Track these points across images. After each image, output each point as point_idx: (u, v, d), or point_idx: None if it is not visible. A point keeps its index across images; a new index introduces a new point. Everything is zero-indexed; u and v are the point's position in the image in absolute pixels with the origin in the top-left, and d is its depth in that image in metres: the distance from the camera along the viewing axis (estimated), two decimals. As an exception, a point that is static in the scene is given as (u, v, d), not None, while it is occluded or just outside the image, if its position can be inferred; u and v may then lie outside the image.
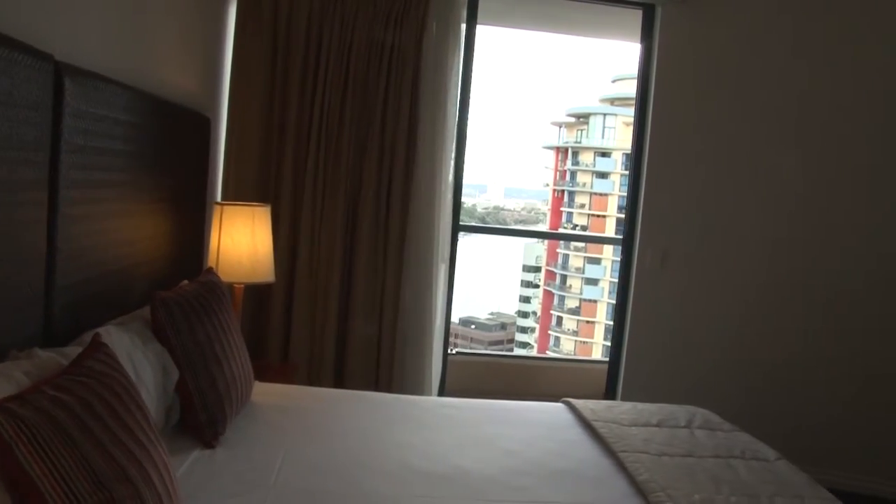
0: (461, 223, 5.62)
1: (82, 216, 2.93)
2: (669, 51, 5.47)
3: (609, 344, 5.98)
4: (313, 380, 5.20)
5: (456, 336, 12.27)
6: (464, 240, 12.44)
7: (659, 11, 5.47)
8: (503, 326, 12.79)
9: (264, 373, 4.47)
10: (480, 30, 5.45)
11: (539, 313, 12.61)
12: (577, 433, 3.78)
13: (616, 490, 3.13)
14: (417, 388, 5.22)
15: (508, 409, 4.11)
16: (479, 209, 12.82)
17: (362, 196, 5.23)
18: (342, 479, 3.00)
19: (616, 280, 5.99)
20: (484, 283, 13.08)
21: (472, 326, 12.71)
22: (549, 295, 12.40)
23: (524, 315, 12.87)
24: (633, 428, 3.76)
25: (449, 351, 5.92)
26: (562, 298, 12.27)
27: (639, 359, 5.63)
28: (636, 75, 5.62)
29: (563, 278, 12.26)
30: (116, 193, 3.30)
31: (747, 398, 5.48)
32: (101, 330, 2.80)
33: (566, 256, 12.30)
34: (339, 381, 5.26)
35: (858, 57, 5.43)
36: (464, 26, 5.27)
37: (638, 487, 3.11)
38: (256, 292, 5.17)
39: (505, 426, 3.79)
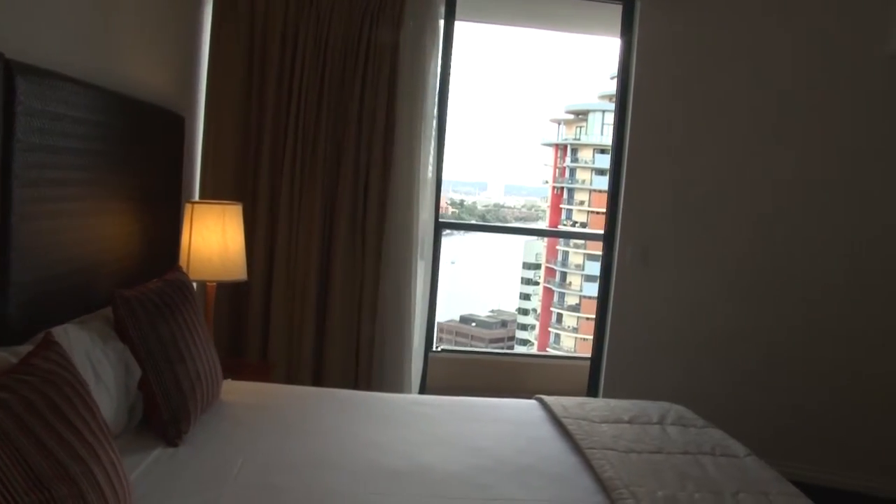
0: (446, 220, 5.59)
1: (39, 214, 2.91)
2: (649, 46, 5.44)
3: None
4: (292, 378, 5.19)
5: (455, 334, 12.29)
6: (463, 238, 12.44)
7: (638, 6, 5.44)
8: (504, 324, 12.76)
9: (241, 371, 4.49)
10: (478, 28, 5.46)
11: (539, 310, 12.57)
12: (546, 430, 3.77)
13: (579, 487, 3.12)
14: (397, 386, 5.21)
15: (480, 406, 4.10)
16: (479, 207, 12.81)
17: (339, 194, 5.21)
18: (303, 476, 2.99)
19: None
20: (484, 281, 13.08)
21: (473, 324, 12.69)
22: (549, 292, 12.36)
23: (524, 312, 12.84)
24: (604, 425, 3.75)
25: (434, 349, 5.92)
26: (562, 295, 12.22)
27: (620, 356, 5.60)
28: (616, 71, 5.59)
29: (563, 275, 12.22)
30: (78, 192, 3.29)
31: (727, 394, 5.47)
32: (58, 328, 2.80)
33: (566, 253, 12.26)
34: (318, 380, 5.25)
35: (838, 54, 5.41)
36: (442, 23, 5.26)
37: (602, 484, 3.10)
38: (234, 291, 5.17)
39: (475, 423, 3.78)
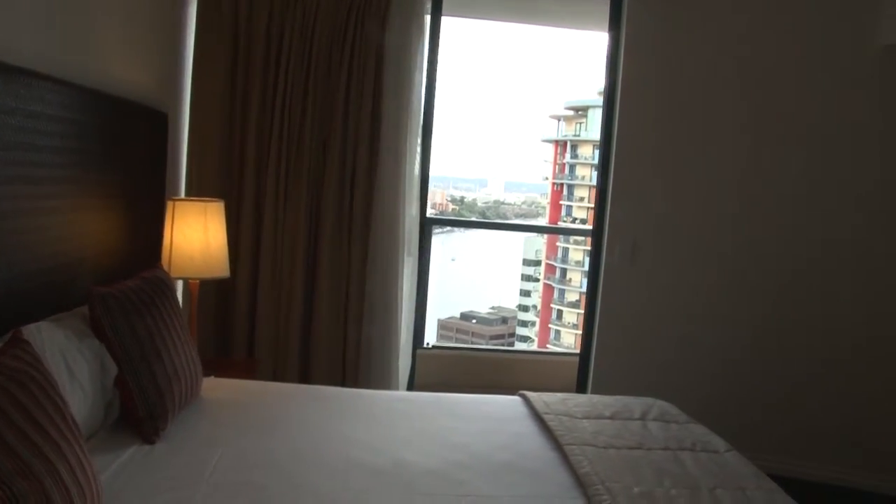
0: (434, 217, 5.59)
1: (17, 212, 2.93)
2: (636, 41, 5.41)
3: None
4: (278, 376, 5.21)
5: (455, 331, 12.29)
6: (464, 235, 12.44)
7: (626, 0, 5.42)
8: (504, 321, 12.77)
9: (227, 369, 4.49)
10: (475, 25, 5.45)
11: (539, 307, 12.57)
12: (527, 426, 3.76)
13: (556, 483, 3.11)
14: (384, 383, 5.21)
15: (463, 402, 4.09)
16: (479, 203, 12.81)
17: (325, 191, 5.22)
18: (280, 473, 2.99)
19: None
20: (485, 278, 13.08)
21: (474, 321, 12.70)
22: (549, 289, 12.35)
23: (525, 309, 12.84)
24: (585, 421, 3.74)
25: (425, 345, 5.92)
26: (562, 292, 12.21)
27: (609, 352, 5.58)
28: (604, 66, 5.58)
29: (564, 272, 12.21)
30: (57, 190, 3.30)
31: (714, 390, 5.48)
32: (30, 326, 2.80)
33: (566, 250, 12.25)
34: (305, 377, 5.26)
35: (827, 48, 5.39)
36: (428, 18, 5.26)
37: (579, 480, 3.09)
38: (221, 288, 5.18)
39: (457, 420, 3.78)
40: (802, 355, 5.55)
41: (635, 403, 4.07)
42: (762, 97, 5.44)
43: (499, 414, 3.93)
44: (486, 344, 11.38)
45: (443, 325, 12.44)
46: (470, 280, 13.18)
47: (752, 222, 5.51)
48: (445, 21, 5.42)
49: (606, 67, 5.51)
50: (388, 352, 5.25)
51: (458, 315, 12.43)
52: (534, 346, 11.72)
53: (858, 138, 5.41)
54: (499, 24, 6.94)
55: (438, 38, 5.40)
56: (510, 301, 12.58)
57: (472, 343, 11.07)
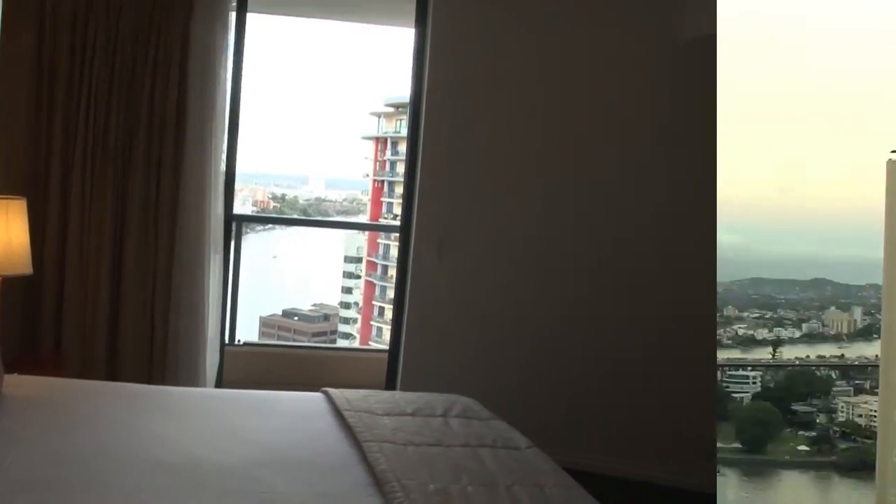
0: (241, 214, 5.54)
1: None
2: (442, 38, 5.44)
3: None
4: (86, 373, 5.05)
5: (277, 328, 12.20)
6: (285, 233, 12.34)
7: (431, -3, 5.44)
8: (326, 318, 12.71)
9: (33, 366, 4.41)
10: (291, 23, 5.42)
11: (361, 304, 12.57)
12: (328, 423, 3.76)
13: (353, 480, 3.12)
14: (192, 380, 5.17)
15: (266, 399, 4.06)
16: (300, 201, 12.74)
17: (131, 188, 5.15)
18: (76, 470, 2.90)
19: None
20: (307, 275, 13.04)
21: (296, 318, 12.62)
22: (370, 286, 12.36)
23: (347, 306, 12.82)
24: (386, 417, 3.76)
25: (237, 342, 5.88)
26: (383, 289, 12.23)
27: (417, 348, 5.66)
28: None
29: (385, 269, 12.24)
30: None
31: (518, 386, 5.60)
32: None
33: (387, 247, 12.29)
34: (113, 374, 5.16)
35: (630, 46, 5.53)
36: (234, 15, 5.22)
37: (376, 477, 3.10)
38: (27, 285, 5.02)
39: (257, 417, 3.75)
40: (601, 353, 5.71)
41: (438, 400, 4.11)
42: (562, 97, 5.58)
43: (300, 411, 3.92)
44: (309, 341, 11.34)
45: (265, 323, 12.33)
46: (292, 277, 13.12)
47: (550, 222, 5.66)
48: (265, 19, 5.42)
49: (413, 64, 5.55)
50: (196, 349, 5.21)
51: (280, 312, 12.36)
52: (356, 344, 11.76)
53: (657, 137, 5.58)
54: (316, 21, 6.90)
55: (244, 34, 5.37)
56: (333, 298, 12.58)
57: (295, 340, 11.01)
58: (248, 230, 11.78)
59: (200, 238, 5.10)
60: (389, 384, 5.71)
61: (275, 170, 11.80)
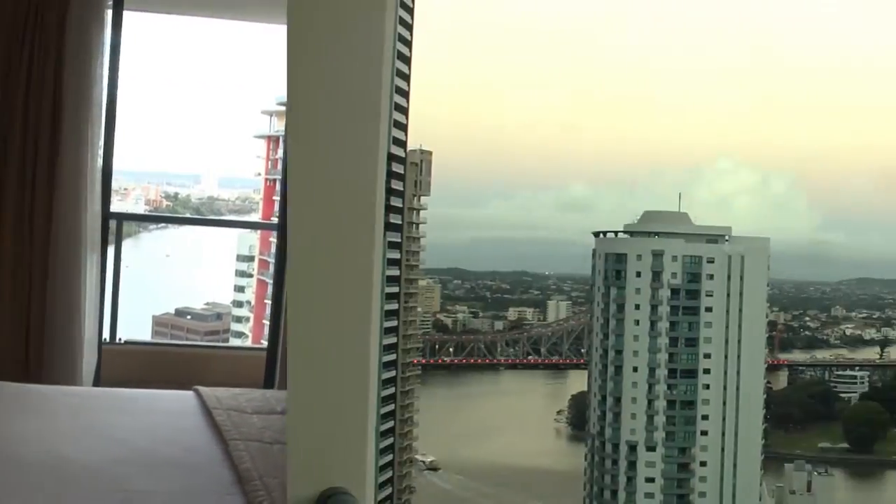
0: (119, 213, 5.51)
1: None
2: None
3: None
4: (-42, 371, 5.00)
5: (171, 327, 12.10)
6: (177, 232, 12.25)
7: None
8: (219, 316, 12.70)
9: None
10: (175, 21, 5.39)
11: (253, 303, 12.54)
12: (197, 421, 3.79)
13: (217, 478, 3.16)
14: (69, 378, 5.11)
15: (137, 398, 4.09)
16: (193, 199, 12.68)
17: (6, 185, 5.08)
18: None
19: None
20: (200, 274, 12.98)
21: (188, 317, 12.56)
22: (262, 284, 12.34)
23: (239, 305, 12.79)
24: (255, 416, 3.79)
25: (118, 340, 5.84)
26: (276, 287, 12.20)
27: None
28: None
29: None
30: None
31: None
32: None
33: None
34: (-11, 373, 5.09)
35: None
36: (110, 13, 5.19)
37: (240, 476, 3.13)
38: None
39: (126, 415, 3.78)
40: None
41: (309, 397, 4.15)
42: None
43: (171, 409, 3.95)
44: (202, 340, 11.29)
45: (157, 322, 12.23)
46: (185, 276, 13.03)
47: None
48: (147, 17, 5.39)
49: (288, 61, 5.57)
50: (72, 347, 5.16)
51: (173, 311, 12.27)
52: (248, 342, 11.71)
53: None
54: (202, 20, 6.87)
55: (121, 31, 5.35)
56: (226, 297, 12.51)
57: (188, 339, 10.97)
58: (142, 229, 11.67)
59: (76, 236, 5.08)
60: (268, 382, 5.72)
61: (168, 168, 11.71)
